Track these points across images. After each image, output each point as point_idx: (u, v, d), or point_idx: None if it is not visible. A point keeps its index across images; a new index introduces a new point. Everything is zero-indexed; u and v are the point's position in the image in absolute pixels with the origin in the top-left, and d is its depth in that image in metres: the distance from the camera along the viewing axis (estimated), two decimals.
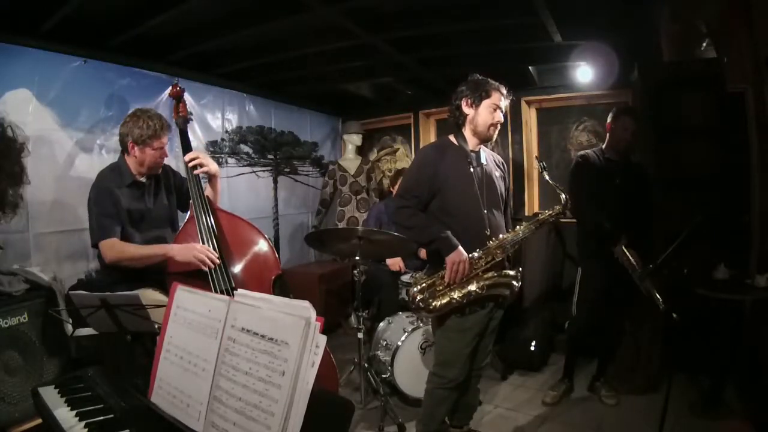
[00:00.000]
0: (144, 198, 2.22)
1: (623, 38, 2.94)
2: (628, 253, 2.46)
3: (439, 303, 2.01)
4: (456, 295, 2.00)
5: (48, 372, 2.17)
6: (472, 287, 2.01)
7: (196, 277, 2.01)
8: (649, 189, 2.81)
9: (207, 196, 2.19)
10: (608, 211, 2.59)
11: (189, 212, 2.26)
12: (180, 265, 2.02)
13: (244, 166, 3.98)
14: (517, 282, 2.12)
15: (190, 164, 2.19)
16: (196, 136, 3.49)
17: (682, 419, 2.46)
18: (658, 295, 2.21)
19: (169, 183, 2.36)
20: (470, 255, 2.01)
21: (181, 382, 1.09)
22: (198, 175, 2.21)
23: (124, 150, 2.20)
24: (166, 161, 2.34)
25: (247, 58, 3.36)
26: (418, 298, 2.02)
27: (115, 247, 2.06)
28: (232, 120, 3.90)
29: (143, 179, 2.22)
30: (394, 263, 3.57)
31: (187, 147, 2.28)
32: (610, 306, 2.73)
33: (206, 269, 2.01)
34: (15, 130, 1.81)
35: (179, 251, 2.02)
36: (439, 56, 3.48)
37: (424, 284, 2.04)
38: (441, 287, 2.02)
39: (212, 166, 2.28)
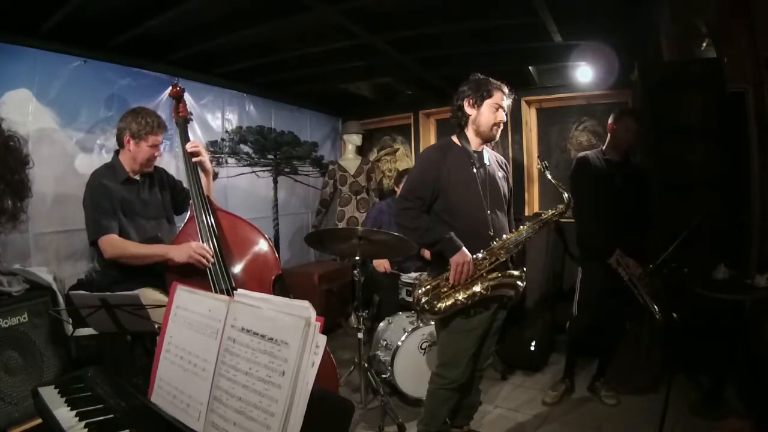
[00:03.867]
0: (138, 193, 2.25)
1: (623, 38, 2.94)
2: (623, 264, 2.47)
3: (444, 305, 2.00)
4: (461, 296, 2.00)
5: (48, 372, 2.16)
6: (477, 288, 2.00)
7: (196, 276, 2.02)
8: (648, 190, 2.81)
9: (207, 196, 2.20)
10: (607, 214, 2.60)
11: (189, 212, 2.27)
12: (179, 263, 2.03)
13: (244, 166, 3.98)
14: (522, 282, 2.10)
15: (190, 150, 2.24)
16: (196, 136, 3.49)
17: (682, 419, 2.46)
18: (655, 306, 2.21)
19: (162, 181, 2.39)
20: (474, 256, 2.01)
21: (181, 382, 1.09)
22: (198, 171, 2.25)
23: (120, 145, 2.24)
24: (165, 162, 2.35)
25: (247, 58, 3.36)
26: (423, 300, 2.02)
27: (115, 244, 2.07)
28: (232, 120, 3.90)
29: (137, 177, 2.25)
30: (380, 264, 3.57)
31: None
32: (610, 306, 2.73)
33: (202, 268, 2.02)
34: (20, 142, 1.80)
35: (176, 252, 2.04)
36: (439, 56, 3.48)
37: (428, 286, 2.04)
38: (446, 289, 2.02)
39: (208, 163, 2.34)
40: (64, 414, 1.19)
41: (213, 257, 2.04)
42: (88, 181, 2.17)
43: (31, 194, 1.82)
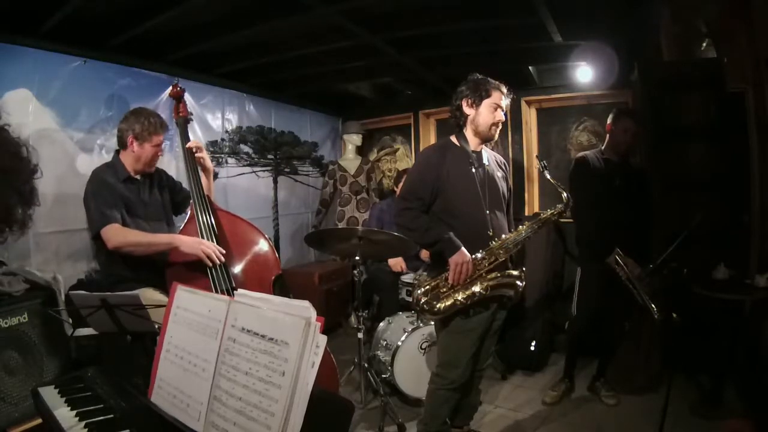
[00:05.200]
0: (139, 193, 2.24)
1: (623, 38, 2.94)
2: (621, 263, 2.47)
3: (443, 305, 2.00)
4: (460, 296, 2.00)
5: (48, 372, 2.16)
6: (476, 288, 2.01)
7: (197, 275, 2.02)
8: (648, 190, 2.81)
9: (207, 196, 2.20)
10: (606, 214, 2.60)
11: (189, 211, 2.27)
12: (183, 256, 2.03)
13: (244, 166, 3.98)
14: (521, 282, 2.10)
15: (191, 147, 2.25)
16: (196, 136, 3.49)
17: (682, 419, 2.46)
18: (653, 306, 2.21)
19: (162, 181, 2.39)
20: (473, 256, 2.01)
21: (181, 382, 1.09)
22: (198, 171, 2.25)
23: (122, 146, 2.23)
24: (165, 162, 2.36)
25: (247, 58, 3.36)
26: (423, 300, 2.02)
27: (119, 232, 2.05)
28: (232, 120, 3.90)
29: (138, 177, 2.25)
30: (396, 263, 3.57)
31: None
32: (609, 306, 2.73)
33: (209, 264, 2.02)
34: (30, 150, 1.79)
35: (186, 241, 2.04)
36: (439, 56, 3.48)
37: (428, 286, 2.04)
38: (445, 289, 2.02)
39: (209, 161, 2.36)
40: (64, 414, 1.19)
41: (221, 258, 2.04)
42: (89, 179, 2.16)
43: (39, 202, 1.82)
